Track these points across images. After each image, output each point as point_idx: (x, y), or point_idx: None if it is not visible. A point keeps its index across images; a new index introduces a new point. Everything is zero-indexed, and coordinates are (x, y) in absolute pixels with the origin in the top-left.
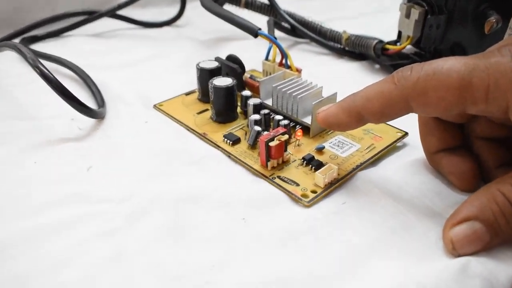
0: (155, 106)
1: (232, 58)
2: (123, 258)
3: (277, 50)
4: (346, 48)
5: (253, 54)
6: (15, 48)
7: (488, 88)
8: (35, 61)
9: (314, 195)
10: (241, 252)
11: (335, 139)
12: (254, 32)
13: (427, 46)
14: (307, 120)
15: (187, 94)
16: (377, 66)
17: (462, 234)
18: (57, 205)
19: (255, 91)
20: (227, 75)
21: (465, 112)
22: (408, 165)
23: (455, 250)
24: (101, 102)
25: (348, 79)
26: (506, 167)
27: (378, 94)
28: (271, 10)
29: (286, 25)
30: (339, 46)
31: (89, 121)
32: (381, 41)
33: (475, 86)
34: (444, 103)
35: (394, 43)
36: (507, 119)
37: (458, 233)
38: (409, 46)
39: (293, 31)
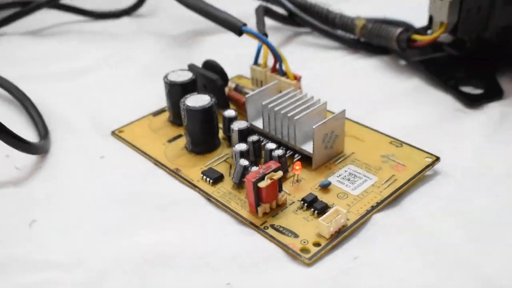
0: (113, 133)
1: (210, 65)
2: None
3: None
4: (362, 40)
5: (240, 53)
6: None
7: None
8: None
9: (317, 249)
10: None
11: (345, 171)
12: (237, 29)
13: (466, 35)
14: (308, 147)
15: (155, 114)
16: (402, 62)
17: None
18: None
19: (242, 108)
20: (204, 88)
21: None
22: (441, 202)
23: None
24: (43, 131)
25: (364, 82)
26: None
27: None
28: None
29: (282, 10)
30: (352, 36)
31: (29, 157)
32: (407, 29)
33: None
34: None
35: (424, 31)
36: None
37: None
38: (444, 34)
39: (291, 19)
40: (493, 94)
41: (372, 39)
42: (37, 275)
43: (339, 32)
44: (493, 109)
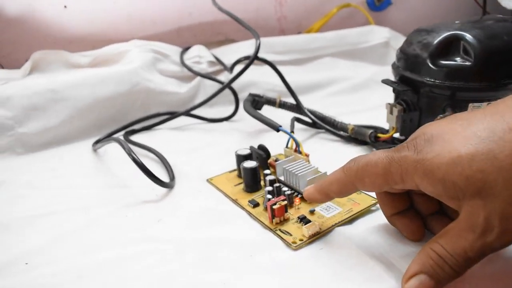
0: (207, 180)
1: (261, 147)
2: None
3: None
4: (352, 136)
5: (282, 141)
6: (118, 142)
7: (401, 174)
8: (130, 151)
9: (300, 242)
10: (246, 275)
11: (325, 204)
12: (276, 128)
13: (404, 135)
14: None
15: (230, 171)
16: (373, 149)
17: (413, 286)
18: (138, 243)
19: (275, 169)
20: (256, 159)
21: (393, 188)
22: (375, 224)
23: None
24: (172, 177)
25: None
26: (436, 214)
27: (335, 179)
28: (298, 109)
29: (308, 119)
30: (347, 134)
31: (163, 190)
32: (375, 131)
33: (393, 173)
34: (376, 185)
35: (386, 131)
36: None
37: (410, 285)
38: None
39: (314, 124)
40: None
41: (357, 136)
42: (153, 244)
43: (340, 132)
44: None
